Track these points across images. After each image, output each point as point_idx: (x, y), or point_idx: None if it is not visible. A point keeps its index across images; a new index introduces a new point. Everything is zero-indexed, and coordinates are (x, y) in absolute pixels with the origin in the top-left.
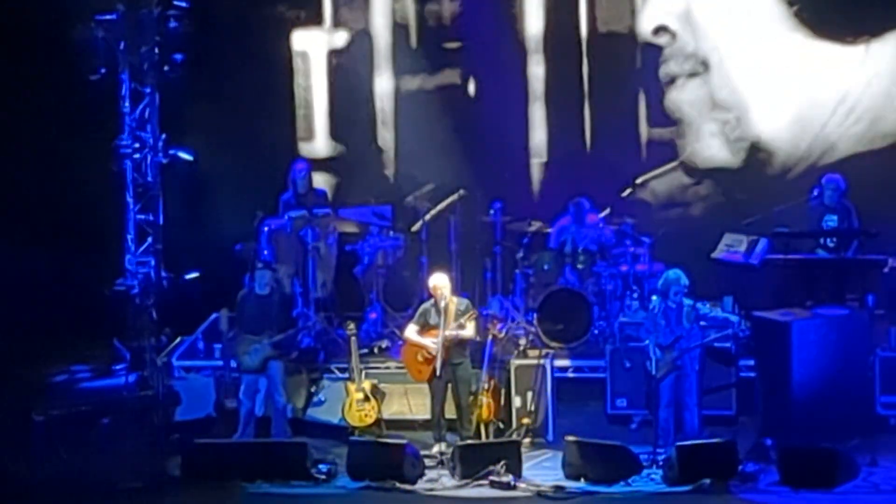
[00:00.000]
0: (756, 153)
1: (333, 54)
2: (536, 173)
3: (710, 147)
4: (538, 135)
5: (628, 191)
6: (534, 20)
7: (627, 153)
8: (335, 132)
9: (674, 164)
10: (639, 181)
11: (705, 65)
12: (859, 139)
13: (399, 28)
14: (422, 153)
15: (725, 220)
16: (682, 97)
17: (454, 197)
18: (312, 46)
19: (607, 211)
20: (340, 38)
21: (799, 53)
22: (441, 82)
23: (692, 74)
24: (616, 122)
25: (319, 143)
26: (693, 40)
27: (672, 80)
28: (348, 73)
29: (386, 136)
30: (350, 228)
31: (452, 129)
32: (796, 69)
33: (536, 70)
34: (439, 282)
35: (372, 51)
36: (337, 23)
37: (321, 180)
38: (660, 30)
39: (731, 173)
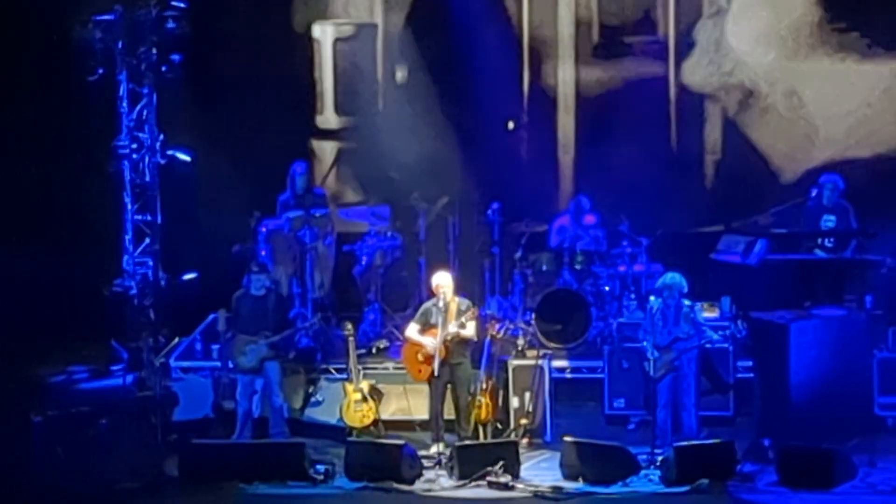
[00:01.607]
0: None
1: (339, 42)
2: None
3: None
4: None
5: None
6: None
7: None
8: (340, 108)
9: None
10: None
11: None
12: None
13: None
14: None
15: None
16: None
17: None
18: (323, 35)
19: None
20: (346, 29)
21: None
22: None
23: None
24: None
25: (328, 117)
26: None
27: None
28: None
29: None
30: (349, 229)
31: None
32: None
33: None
34: (442, 281)
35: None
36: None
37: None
38: None
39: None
